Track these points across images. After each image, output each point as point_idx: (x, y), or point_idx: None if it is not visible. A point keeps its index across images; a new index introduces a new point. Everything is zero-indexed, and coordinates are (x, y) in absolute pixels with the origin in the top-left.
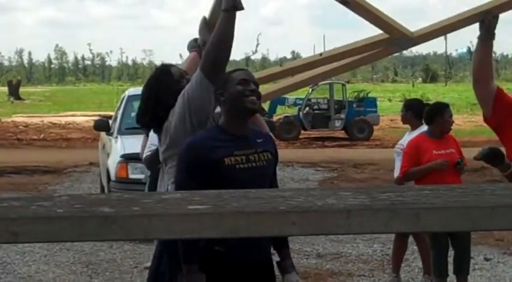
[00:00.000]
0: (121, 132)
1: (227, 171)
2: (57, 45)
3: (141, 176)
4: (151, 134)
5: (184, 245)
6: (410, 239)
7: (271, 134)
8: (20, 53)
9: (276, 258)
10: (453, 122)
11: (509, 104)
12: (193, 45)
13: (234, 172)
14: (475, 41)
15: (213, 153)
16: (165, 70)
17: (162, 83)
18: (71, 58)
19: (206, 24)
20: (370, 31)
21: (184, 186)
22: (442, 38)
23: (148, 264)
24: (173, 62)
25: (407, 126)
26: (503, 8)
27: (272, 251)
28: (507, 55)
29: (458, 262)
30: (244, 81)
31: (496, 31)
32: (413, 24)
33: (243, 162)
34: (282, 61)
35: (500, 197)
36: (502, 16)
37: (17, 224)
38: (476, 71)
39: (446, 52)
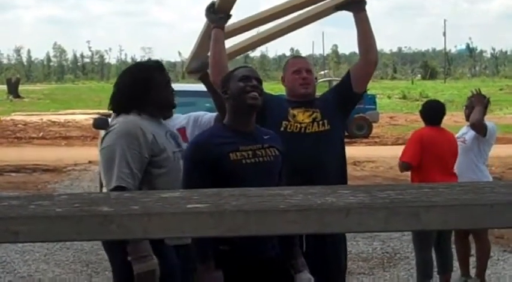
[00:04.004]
0: None
1: (233, 166)
2: (55, 43)
3: None
4: None
5: (199, 244)
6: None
7: None
8: (18, 50)
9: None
10: None
11: None
12: (214, 19)
13: (241, 167)
14: (474, 38)
15: (218, 149)
16: (160, 68)
17: (151, 79)
18: (70, 56)
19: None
20: None
21: (192, 183)
22: (441, 34)
23: None
24: (172, 60)
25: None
26: None
27: None
28: (506, 52)
29: (443, 261)
30: (246, 77)
31: (495, 27)
32: (413, 21)
33: (249, 157)
34: (281, 58)
35: (500, 195)
36: (501, 12)
37: (16, 224)
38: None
39: (445, 49)
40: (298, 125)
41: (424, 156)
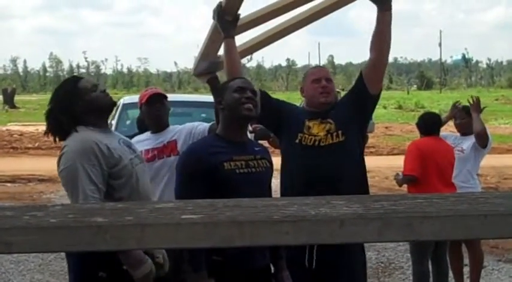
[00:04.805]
0: None
1: (227, 175)
2: (51, 54)
3: None
4: None
5: (192, 253)
6: None
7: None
8: (14, 61)
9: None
10: None
11: None
12: (223, 25)
13: (234, 177)
14: (470, 49)
15: (212, 158)
16: (77, 77)
17: (73, 90)
18: (66, 66)
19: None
20: (363, 39)
21: (185, 191)
22: (436, 45)
23: None
24: (168, 70)
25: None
26: None
27: None
28: (501, 62)
29: (439, 272)
30: (241, 89)
31: (491, 38)
32: (409, 31)
33: (242, 168)
34: (277, 69)
35: (493, 205)
36: (497, 22)
37: (9, 234)
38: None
39: (441, 59)
40: (313, 138)
41: (424, 167)
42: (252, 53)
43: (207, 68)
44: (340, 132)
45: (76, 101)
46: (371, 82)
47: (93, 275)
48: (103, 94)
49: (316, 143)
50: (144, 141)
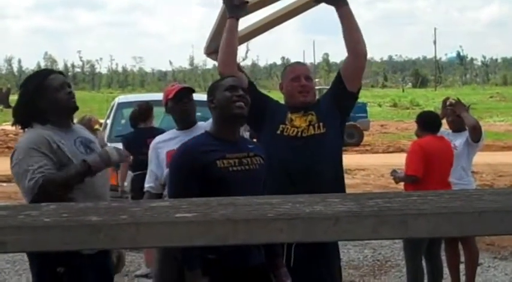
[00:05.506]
0: (111, 139)
1: (220, 173)
2: (46, 53)
3: None
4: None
5: (186, 252)
6: None
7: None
8: (9, 60)
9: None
10: None
11: None
12: (231, 7)
13: (228, 175)
14: (464, 46)
15: (205, 157)
16: (48, 73)
17: (39, 86)
18: (60, 66)
19: None
20: None
21: (179, 191)
22: (431, 42)
23: (139, 272)
24: (163, 69)
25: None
26: None
27: None
28: (496, 59)
29: (433, 269)
30: (232, 87)
31: (485, 35)
32: (404, 29)
33: (236, 165)
34: (271, 67)
35: (488, 203)
36: (491, 19)
37: (4, 234)
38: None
39: (435, 57)
40: (295, 129)
41: (426, 166)
42: (250, 39)
43: (218, 47)
44: (321, 124)
45: (39, 98)
46: (349, 81)
47: (52, 270)
48: (67, 96)
49: (299, 134)
50: (173, 140)
